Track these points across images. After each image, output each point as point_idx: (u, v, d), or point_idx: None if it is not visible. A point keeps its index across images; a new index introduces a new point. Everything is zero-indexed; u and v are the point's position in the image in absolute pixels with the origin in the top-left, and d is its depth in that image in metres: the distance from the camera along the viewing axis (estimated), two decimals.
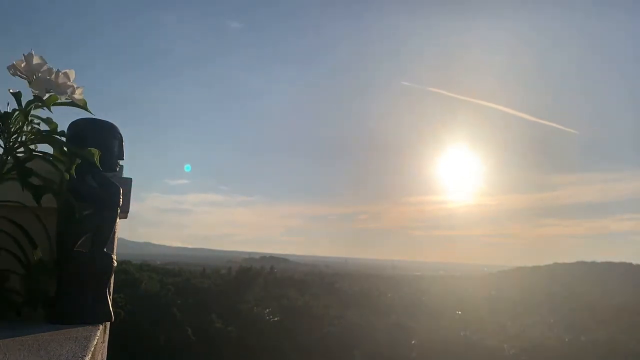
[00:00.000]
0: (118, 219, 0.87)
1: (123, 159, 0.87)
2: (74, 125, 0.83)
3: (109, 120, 0.86)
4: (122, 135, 0.87)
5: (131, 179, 0.93)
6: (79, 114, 0.81)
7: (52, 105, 0.75)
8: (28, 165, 0.73)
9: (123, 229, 1.09)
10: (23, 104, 0.72)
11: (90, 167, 0.79)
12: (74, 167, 0.72)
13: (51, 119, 0.74)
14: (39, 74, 0.71)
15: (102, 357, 0.82)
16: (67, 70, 0.73)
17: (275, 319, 22.90)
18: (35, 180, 0.71)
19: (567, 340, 25.20)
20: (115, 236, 0.88)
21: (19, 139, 0.72)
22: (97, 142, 0.81)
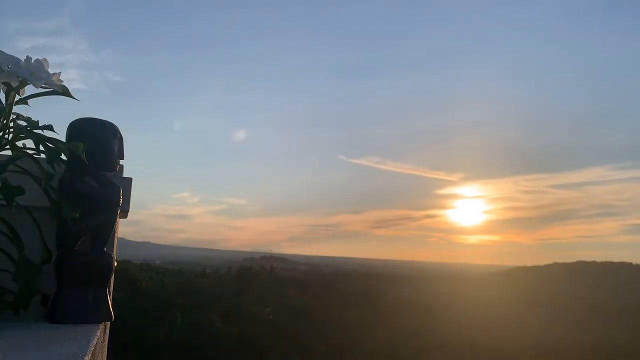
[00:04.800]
0: (118, 219, 0.87)
1: (123, 159, 0.87)
2: (73, 124, 0.82)
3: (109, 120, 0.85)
4: (122, 135, 0.86)
5: (131, 178, 0.93)
6: (73, 113, 0.80)
7: (33, 97, 0.73)
8: (18, 163, 0.72)
9: (123, 229, 1.09)
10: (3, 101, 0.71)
11: (90, 167, 0.79)
12: (56, 158, 0.71)
13: (30, 118, 0.73)
14: (9, 66, 0.68)
15: (102, 356, 0.82)
16: (39, 58, 0.70)
17: (276, 318, 22.88)
18: (18, 180, 0.70)
19: (567, 340, 25.17)
20: (116, 236, 0.88)
21: (5, 137, 0.71)
22: (97, 142, 0.81)
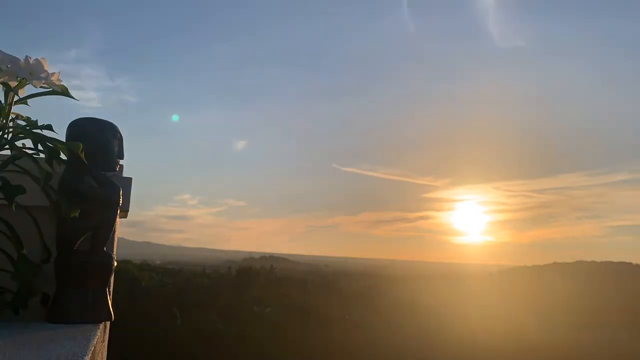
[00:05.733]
0: (118, 219, 0.87)
1: (123, 159, 0.87)
2: (73, 124, 0.82)
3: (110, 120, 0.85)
4: (122, 135, 0.86)
5: (131, 178, 0.93)
6: (70, 112, 0.80)
7: (33, 97, 0.73)
8: (18, 163, 0.72)
9: (123, 229, 1.09)
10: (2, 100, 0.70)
11: (90, 167, 0.79)
12: (54, 157, 0.70)
13: (30, 117, 0.73)
14: (9, 65, 0.68)
15: (102, 356, 0.81)
16: (38, 58, 0.70)
17: (276, 318, 22.87)
18: (17, 179, 0.69)
19: (567, 340, 25.17)
20: (115, 235, 0.88)
21: (5, 136, 0.71)
22: (97, 142, 0.81)
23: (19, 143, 0.72)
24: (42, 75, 0.70)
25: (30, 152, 0.72)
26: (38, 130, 0.70)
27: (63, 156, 0.73)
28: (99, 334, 0.72)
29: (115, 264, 0.83)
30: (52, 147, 0.69)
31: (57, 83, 0.72)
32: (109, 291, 0.83)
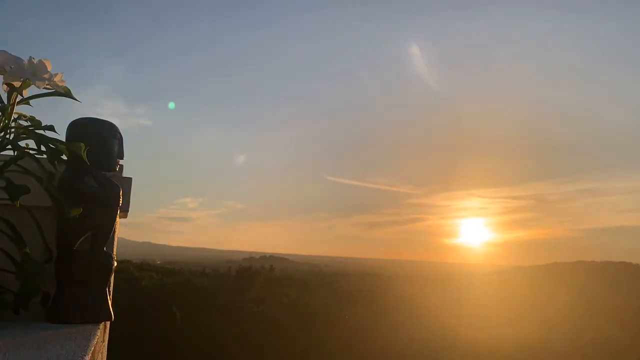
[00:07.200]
0: (118, 219, 0.87)
1: (123, 159, 0.87)
2: (73, 124, 0.82)
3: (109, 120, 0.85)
4: (122, 135, 0.86)
5: (131, 178, 0.93)
6: (69, 112, 0.80)
7: (36, 98, 0.73)
8: (20, 163, 0.72)
9: (123, 229, 1.09)
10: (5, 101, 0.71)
11: (90, 167, 0.79)
12: (57, 157, 0.70)
13: (34, 117, 0.73)
14: (12, 66, 0.68)
15: (102, 356, 0.82)
16: (42, 59, 0.70)
17: (276, 318, 22.86)
18: (20, 179, 0.70)
19: (566, 340, 25.17)
20: (115, 235, 0.88)
21: (7, 136, 0.71)
22: (97, 142, 0.81)
23: (22, 143, 0.72)
24: (45, 76, 0.70)
25: (32, 152, 0.72)
26: (40, 131, 0.71)
27: (64, 156, 0.73)
28: (99, 334, 0.72)
29: (115, 264, 0.83)
30: (54, 148, 0.70)
31: (60, 84, 0.72)
32: (109, 291, 0.83)
